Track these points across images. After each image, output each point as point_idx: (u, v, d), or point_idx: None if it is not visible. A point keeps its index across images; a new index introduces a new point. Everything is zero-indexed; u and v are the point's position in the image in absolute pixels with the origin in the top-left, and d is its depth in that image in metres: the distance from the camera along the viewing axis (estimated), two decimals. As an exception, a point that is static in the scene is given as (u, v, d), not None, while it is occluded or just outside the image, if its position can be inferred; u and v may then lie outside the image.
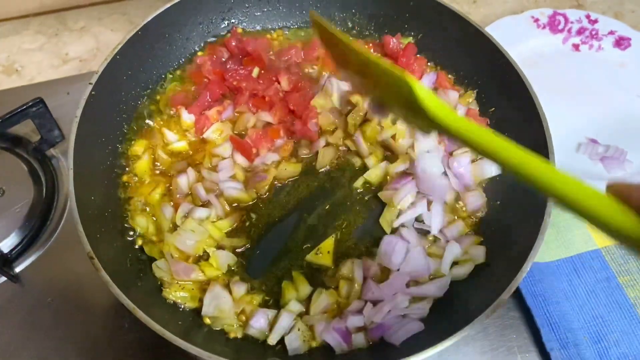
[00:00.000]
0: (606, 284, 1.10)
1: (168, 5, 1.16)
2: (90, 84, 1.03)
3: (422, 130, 0.74)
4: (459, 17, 1.19)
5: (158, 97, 1.22)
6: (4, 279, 1.08)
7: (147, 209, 1.07)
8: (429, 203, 1.07)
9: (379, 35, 1.33)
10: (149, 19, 1.14)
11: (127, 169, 1.12)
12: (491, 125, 1.18)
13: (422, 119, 0.69)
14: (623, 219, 0.50)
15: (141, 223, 1.05)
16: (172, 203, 1.06)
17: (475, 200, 1.09)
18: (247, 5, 1.29)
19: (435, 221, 1.05)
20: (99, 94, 1.04)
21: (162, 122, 1.18)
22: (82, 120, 1.00)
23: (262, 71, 1.22)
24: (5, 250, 1.10)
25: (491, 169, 1.12)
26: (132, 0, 1.62)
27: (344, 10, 1.33)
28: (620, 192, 0.52)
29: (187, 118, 1.17)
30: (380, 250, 1.00)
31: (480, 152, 0.65)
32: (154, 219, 1.06)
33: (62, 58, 1.50)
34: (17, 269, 1.11)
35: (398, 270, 0.98)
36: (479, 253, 1.02)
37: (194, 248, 1.00)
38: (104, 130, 1.10)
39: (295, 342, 0.92)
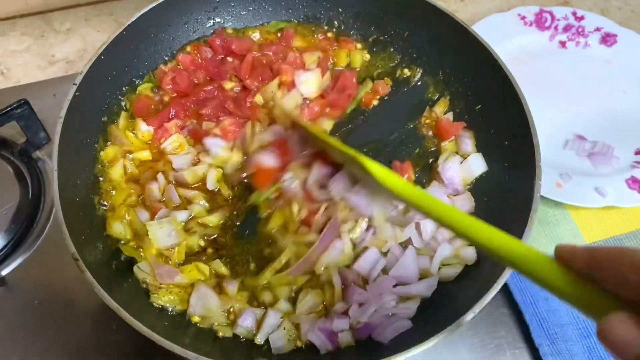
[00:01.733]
0: (595, 280, 1.10)
1: (153, 4, 1.16)
2: (74, 84, 1.03)
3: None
4: (446, 15, 1.19)
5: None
6: (-11, 282, 1.07)
7: (126, 216, 1.05)
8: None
9: (365, 34, 1.33)
10: (134, 18, 1.14)
11: (102, 176, 1.10)
12: (477, 123, 1.18)
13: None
14: (565, 281, 0.53)
15: (118, 229, 1.03)
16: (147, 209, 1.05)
17: (465, 205, 1.09)
18: (232, 4, 1.29)
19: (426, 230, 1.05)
20: (83, 94, 1.04)
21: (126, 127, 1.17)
22: (67, 121, 0.99)
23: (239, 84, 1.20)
24: (-9, 253, 1.09)
25: (478, 167, 1.12)
26: (119, 0, 1.61)
27: (330, 9, 1.32)
28: (564, 255, 0.54)
29: (145, 129, 1.15)
30: (360, 265, 0.99)
31: (429, 215, 0.71)
32: (130, 225, 1.05)
33: (48, 60, 1.49)
34: (3, 272, 1.10)
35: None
36: (470, 254, 1.01)
37: (176, 252, 0.99)
38: (88, 132, 1.09)
39: (279, 341, 0.91)
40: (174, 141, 1.13)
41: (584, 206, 1.18)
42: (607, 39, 1.53)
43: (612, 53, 1.52)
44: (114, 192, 1.08)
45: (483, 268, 0.98)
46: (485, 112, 1.17)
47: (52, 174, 0.93)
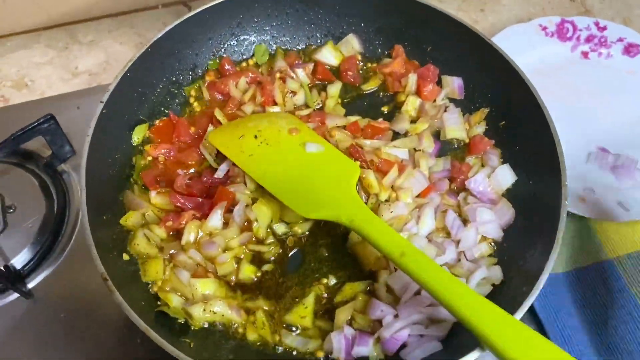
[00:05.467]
0: (619, 295, 1.08)
1: (178, 21, 1.16)
2: (101, 102, 1.04)
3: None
4: (467, 29, 1.19)
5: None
6: (17, 294, 1.09)
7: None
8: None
9: (388, 49, 1.33)
10: (159, 35, 1.14)
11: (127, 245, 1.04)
12: (502, 140, 1.18)
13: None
14: None
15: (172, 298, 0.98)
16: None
17: (505, 214, 1.07)
18: (256, 19, 1.29)
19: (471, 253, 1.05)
20: (109, 111, 1.05)
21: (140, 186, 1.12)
22: (94, 139, 1.00)
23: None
24: (18, 266, 1.11)
25: (507, 178, 1.11)
26: (140, 12, 1.63)
27: (353, 24, 1.33)
28: None
29: (159, 201, 1.08)
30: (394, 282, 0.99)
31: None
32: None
33: (71, 72, 1.50)
34: (30, 285, 1.11)
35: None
36: (497, 274, 1.01)
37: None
38: (115, 149, 1.11)
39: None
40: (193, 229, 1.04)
41: (608, 220, 1.16)
42: (630, 50, 1.51)
43: (635, 64, 1.50)
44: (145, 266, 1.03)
45: (509, 288, 0.98)
46: (509, 129, 1.16)
47: (77, 186, 0.94)
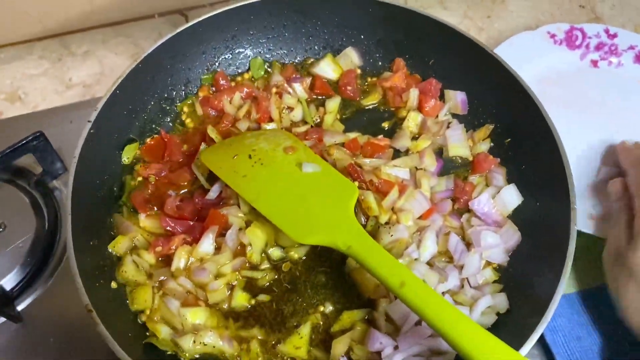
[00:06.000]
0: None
1: (170, 35, 1.13)
2: (89, 121, 1.00)
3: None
4: (469, 41, 1.14)
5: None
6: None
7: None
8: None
9: (389, 62, 1.29)
10: (150, 50, 1.11)
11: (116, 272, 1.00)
12: (507, 158, 1.13)
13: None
14: None
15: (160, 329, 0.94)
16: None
17: (511, 238, 1.03)
18: (251, 32, 1.25)
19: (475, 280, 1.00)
20: (98, 130, 1.01)
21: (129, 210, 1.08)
22: (81, 160, 0.97)
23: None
24: (7, 287, 1.08)
25: (513, 199, 1.07)
26: (135, 22, 1.59)
27: (352, 37, 1.29)
28: None
29: (148, 225, 1.05)
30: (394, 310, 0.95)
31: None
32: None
33: (65, 84, 1.47)
34: (19, 307, 1.08)
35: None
36: (502, 302, 0.96)
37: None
38: (104, 170, 1.07)
39: None
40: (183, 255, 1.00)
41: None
42: (642, 58, 1.46)
43: (647, 73, 1.45)
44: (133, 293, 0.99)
45: (516, 317, 0.94)
46: (515, 146, 1.12)
47: (67, 213, 0.91)
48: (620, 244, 0.98)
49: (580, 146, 1.26)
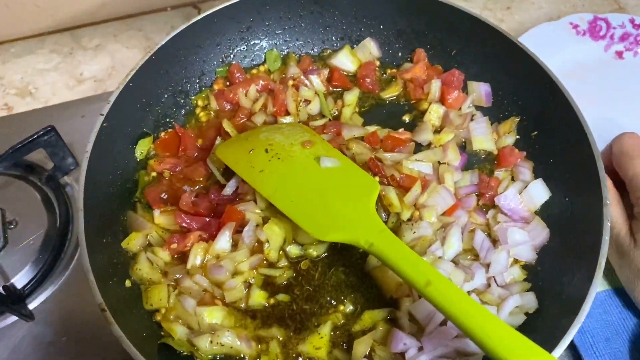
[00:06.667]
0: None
1: (184, 26, 1.10)
2: (101, 115, 0.98)
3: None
4: (494, 30, 1.11)
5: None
6: (17, 316, 1.04)
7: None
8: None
9: (409, 53, 1.25)
10: (164, 41, 1.08)
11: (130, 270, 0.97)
12: (534, 152, 1.09)
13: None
14: None
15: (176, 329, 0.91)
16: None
17: (539, 234, 0.99)
18: (267, 23, 1.22)
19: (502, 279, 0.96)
20: (111, 125, 0.99)
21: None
22: (94, 155, 0.95)
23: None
24: (19, 286, 1.06)
25: (541, 194, 1.03)
26: (147, 15, 1.57)
27: (371, 27, 1.25)
28: None
29: (163, 221, 1.02)
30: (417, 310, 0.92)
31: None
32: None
33: (76, 78, 1.45)
34: (31, 306, 1.06)
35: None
36: (531, 301, 0.93)
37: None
38: (117, 165, 1.05)
39: None
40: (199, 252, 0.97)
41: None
42: (669, 48, 1.41)
43: (674, 64, 1.40)
44: (148, 291, 0.96)
45: (545, 318, 0.90)
46: (542, 139, 1.08)
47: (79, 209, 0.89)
48: (620, 233, 0.97)
49: (603, 140, 1.20)
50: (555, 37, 1.41)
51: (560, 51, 1.40)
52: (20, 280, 1.06)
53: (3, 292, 1.02)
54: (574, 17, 1.45)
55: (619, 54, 1.43)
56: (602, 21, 1.45)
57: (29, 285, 1.07)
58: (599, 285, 1.04)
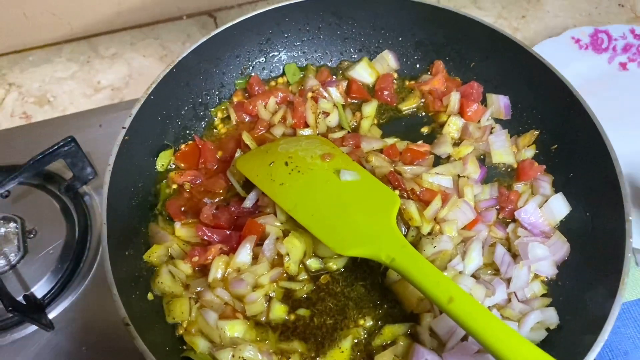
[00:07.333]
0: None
1: (204, 39, 1.10)
2: (123, 128, 0.98)
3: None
4: (513, 43, 1.10)
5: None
6: (37, 326, 1.04)
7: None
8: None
9: (427, 65, 1.25)
10: (185, 54, 1.08)
11: (151, 283, 0.98)
12: (554, 165, 1.09)
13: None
14: None
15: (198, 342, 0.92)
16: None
17: (559, 249, 0.99)
18: (286, 35, 1.23)
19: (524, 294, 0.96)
20: (132, 137, 1.00)
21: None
22: (116, 168, 0.95)
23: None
24: (39, 295, 1.07)
25: (561, 208, 1.03)
26: (163, 23, 1.57)
27: (389, 38, 1.25)
28: None
29: (184, 234, 1.03)
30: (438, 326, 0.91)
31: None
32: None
33: (93, 87, 1.46)
34: (51, 315, 1.07)
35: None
36: (552, 316, 0.92)
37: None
38: (138, 177, 1.06)
39: None
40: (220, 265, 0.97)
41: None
42: (674, 57, 1.40)
43: (680, 73, 1.38)
44: (170, 304, 0.97)
45: (567, 333, 0.90)
46: (562, 153, 1.07)
47: (99, 209, 0.91)
48: None
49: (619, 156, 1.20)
50: (558, 53, 1.38)
51: (564, 67, 1.34)
52: (40, 289, 1.07)
53: (23, 302, 1.03)
54: (574, 31, 1.44)
55: (623, 66, 1.42)
56: (603, 33, 1.44)
57: (48, 295, 1.08)
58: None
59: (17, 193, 1.18)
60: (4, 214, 1.14)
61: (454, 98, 1.15)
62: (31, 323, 1.03)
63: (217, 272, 0.95)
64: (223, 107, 1.21)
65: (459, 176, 1.08)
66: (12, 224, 1.13)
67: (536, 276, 0.98)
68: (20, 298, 1.03)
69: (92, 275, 1.12)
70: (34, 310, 1.03)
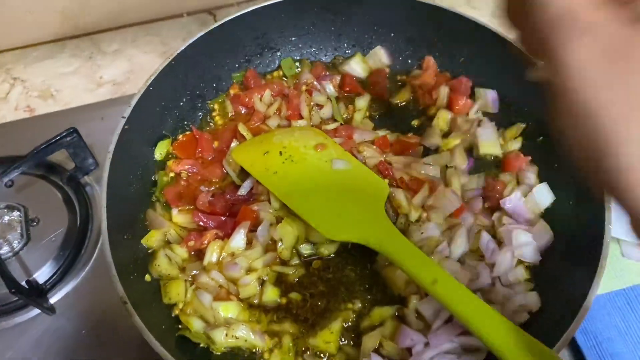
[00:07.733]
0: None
1: (202, 33, 1.13)
2: (123, 117, 1.02)
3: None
4: (501, 39, 1.12)
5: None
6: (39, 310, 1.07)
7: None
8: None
9: (418, 60, 1.28)
10: (183, 47, 1.11)
11: (149, 266, 1.01)
12: (539, 157, 1.11)
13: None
14: None
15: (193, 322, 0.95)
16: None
17: (542, 236, 1.01)
18: (281, 30, 1.26)
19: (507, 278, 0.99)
20: (132, 127, 1.03)
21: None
22: (115, 156, 0.98)
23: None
24: (41, 280, 1.10)
25: (545, 197, 1.05)
26: (164, 21, 1.61)
27: (382, 34, 1.28)
28: None
29: (181, 220, 1.06)
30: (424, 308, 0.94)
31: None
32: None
33: (96, 82, 1.49)
34: (52, 300, 1.10)
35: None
36: (534, 300, 0.95)
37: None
38: (137, 165, 1.09)
39: None
40: (215, 250, 1.00)
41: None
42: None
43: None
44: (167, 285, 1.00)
45: (547, 316, 0.92)
46: (547, 145, 1.10)
47: (100, 199, 0.93)
48: None
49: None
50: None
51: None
52: (42, 275, 1.10)
53: (26, 286, 1.05)
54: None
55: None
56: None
57: (50, 280, 1.11)
58: (601, 287, 1.08)
59: (21, 183, 1.21)
60: (7, 202, 1.17)
61: (443, 92, 1.19)
62: (33, 306, 1.06)
63: (212, 256, 0.99)
64: (220, 100, 1.24)
65: (447, 167, 1.11)
66: (15, 212, 1.16)
67: (520, 262, 1.01)
68: (23, 283, 1.06)
69: (93, 263, 1.15)
70: (36, 294, 1.07)
